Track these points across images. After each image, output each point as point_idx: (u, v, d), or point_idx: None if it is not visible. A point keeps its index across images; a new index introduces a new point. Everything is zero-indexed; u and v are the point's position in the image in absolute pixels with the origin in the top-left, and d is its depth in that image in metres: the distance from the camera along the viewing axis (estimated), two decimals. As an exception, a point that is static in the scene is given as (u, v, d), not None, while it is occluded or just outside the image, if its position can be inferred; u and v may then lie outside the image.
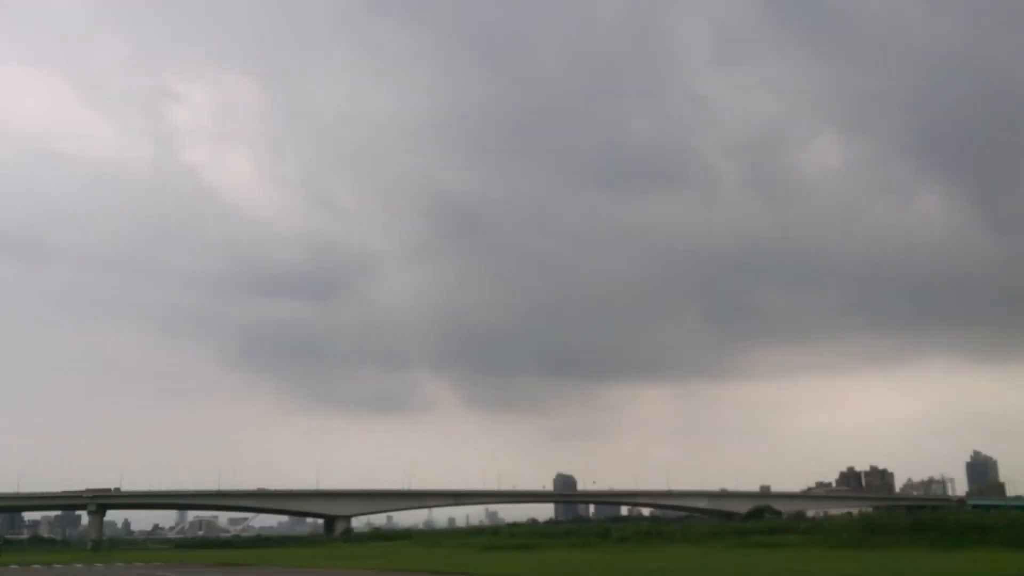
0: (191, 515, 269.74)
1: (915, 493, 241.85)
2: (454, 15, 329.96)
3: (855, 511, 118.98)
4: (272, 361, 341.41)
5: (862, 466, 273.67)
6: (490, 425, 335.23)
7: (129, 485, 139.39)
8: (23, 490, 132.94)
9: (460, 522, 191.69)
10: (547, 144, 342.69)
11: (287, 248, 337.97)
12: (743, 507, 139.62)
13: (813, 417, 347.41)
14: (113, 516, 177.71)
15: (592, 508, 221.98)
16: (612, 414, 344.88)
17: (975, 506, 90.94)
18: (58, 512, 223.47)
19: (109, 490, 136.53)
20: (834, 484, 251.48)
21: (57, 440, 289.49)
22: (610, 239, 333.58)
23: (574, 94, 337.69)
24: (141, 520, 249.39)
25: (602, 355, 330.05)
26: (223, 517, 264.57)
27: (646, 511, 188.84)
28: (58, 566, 54.81)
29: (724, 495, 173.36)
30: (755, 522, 71.24)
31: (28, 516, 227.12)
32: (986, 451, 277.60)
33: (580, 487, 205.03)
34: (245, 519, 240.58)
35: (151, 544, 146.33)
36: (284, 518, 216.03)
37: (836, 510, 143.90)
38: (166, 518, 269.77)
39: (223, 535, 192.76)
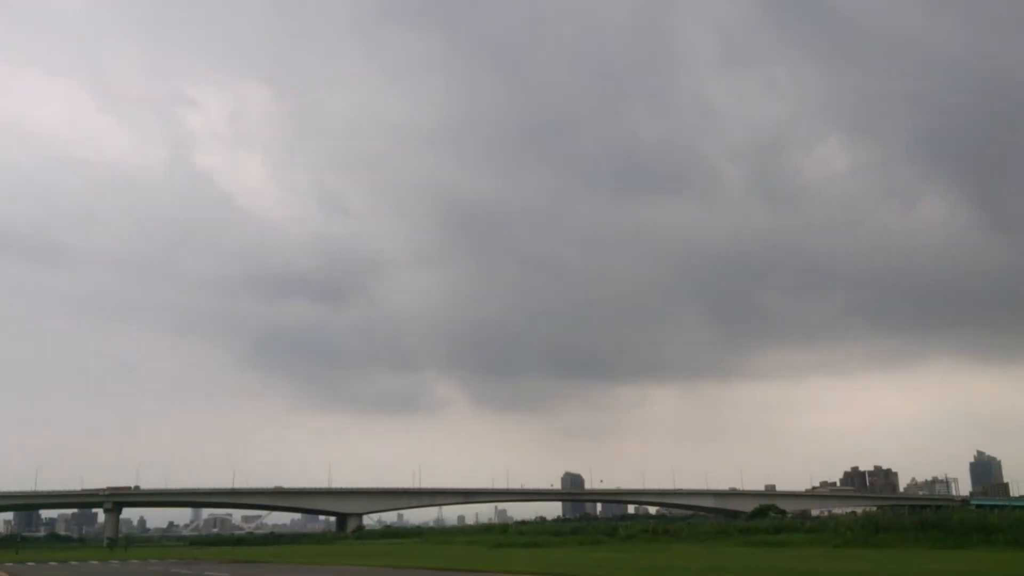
0: (206, 513, 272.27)
1: (921, 493, 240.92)
2: (466, 22, 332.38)
3: (859, 510, 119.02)
4: (285, 362, 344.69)
5: (866, 466, 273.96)
6: (499, 425, 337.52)
7: (145, 484, 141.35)
8: (40, 488, 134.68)
9: (469, 520, 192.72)
10: (556, 149, 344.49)
11: (300, 251, 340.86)
12: (748, 506, 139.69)
13: (818, 417, 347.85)
14: (129, 514, 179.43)
15: (599, 506, 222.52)
16: (619, 414, 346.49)
17: (979, 506, 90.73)
18: (74, 510, 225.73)
19: (129, 488, 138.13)
20: (838, 484, 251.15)
21: (73, 439, 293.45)
22: (617, 242, 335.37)
23: (583, 100, 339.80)
24: (156, 518, 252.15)
25: (609, 356, 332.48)
26: (237, 515, 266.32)
27: (652, 509, 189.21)
28: (74, 563, 55.70)
29: (729, 494, 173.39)
30: (760, 521, 71.37)
31: (45, 514, 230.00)
32: (990, 451, 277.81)
33: (587, 486, 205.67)
34: (259, 517, 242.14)
35: (166, 541, 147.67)
36: (297, 516, 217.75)
37: (840, 509, 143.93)
38: (181, 516, 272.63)
39: (237, 532, 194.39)
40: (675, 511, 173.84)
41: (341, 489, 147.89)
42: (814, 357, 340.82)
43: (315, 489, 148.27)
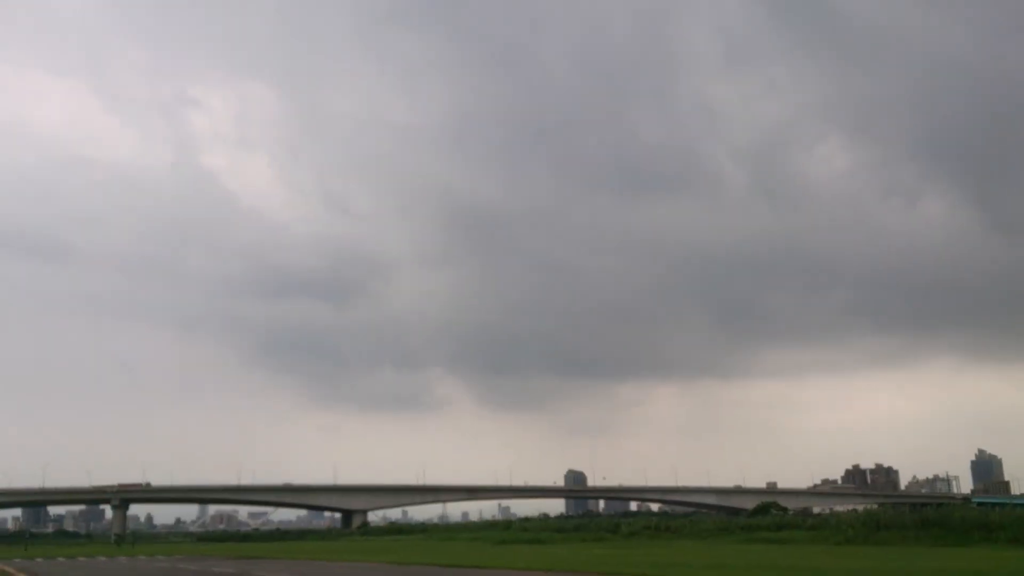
0: (212, 509, 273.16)
1: (924, 491, 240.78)
2: (469, 24, 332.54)
3: (860, 508, 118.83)
4: (291, 361, 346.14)
5: (867, 464, 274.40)
6: (502, 423, 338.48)
7: (151, 481, 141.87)
8: (48, 485, 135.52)
9: (473, 517, 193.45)
10: (559, 150, 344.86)
11: (305, 251, 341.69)
12: (750, 503, 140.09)
13: (819, 416, 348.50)
14: (136, 510, 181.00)
15: (602, 504, 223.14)
16: (622, 412, 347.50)
17: (980, 504, 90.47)
18: (82, 507, 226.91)
19: (140, 485, 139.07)
20: (840, 481, 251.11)
21: (80, 437, 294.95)
22: (619, 242, 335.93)
23: (585, 101, 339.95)
24: (163, 514, 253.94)
25: (612, 355, 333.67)
26: (243, 511, 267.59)
27: (655, 507, 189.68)
28: (82, 559, 56.19)
29: (731, 491, 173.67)
30: (761, 518, 71.54)
31: (53, 511, 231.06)
32: (991, 450, 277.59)
33: (590, 483, 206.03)
34: (265, 513, 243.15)
35: (173, 538, 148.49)
36: (303, 512, 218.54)
37: (841, 507, 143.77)
38: (188, 512, 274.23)
39: (243, 529, 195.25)
40: (677, 508, 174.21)
41: (346, 486, 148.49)
42: (816, 356, 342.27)
43: (321, 486, 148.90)
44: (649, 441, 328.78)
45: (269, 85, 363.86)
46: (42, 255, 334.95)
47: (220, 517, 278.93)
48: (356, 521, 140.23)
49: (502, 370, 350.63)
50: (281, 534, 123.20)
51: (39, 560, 54.69)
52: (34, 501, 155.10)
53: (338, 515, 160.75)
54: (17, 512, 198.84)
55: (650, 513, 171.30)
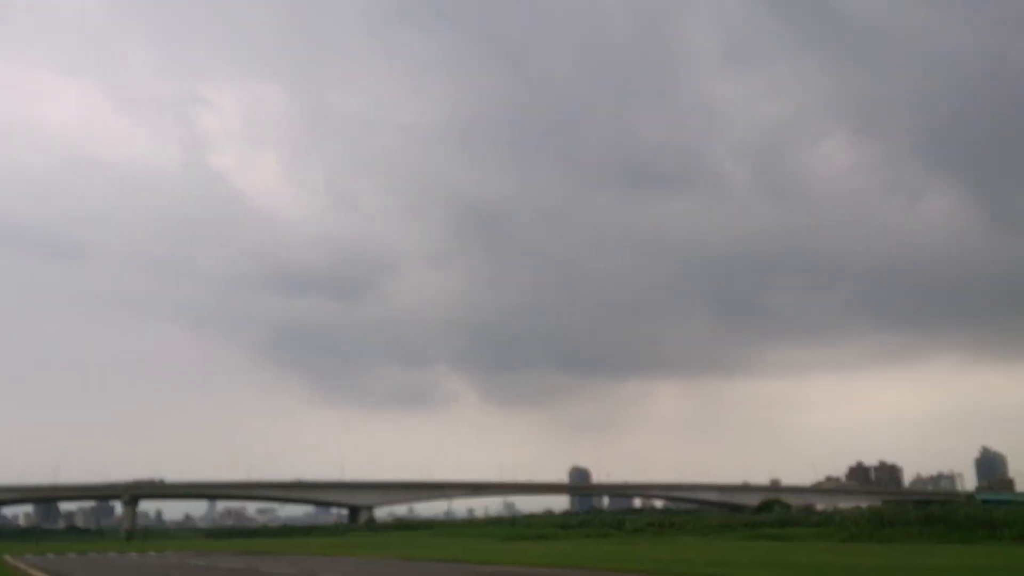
0: (221, 505, 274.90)
1: (930, 488, 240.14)
2: (475, 23, 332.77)
3: (864, 505, 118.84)
4: (298, 358, 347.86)
5: (871, 461, 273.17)
6: (507, 420, 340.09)
7: (162, 476, 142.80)
8: (59, 482, 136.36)
9: (479, 513, 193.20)
10: (563, 148, 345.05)
11: (313, 249, 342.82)
12: (753, 500, 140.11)
13: (822, 413, 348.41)
14: (146, 506, 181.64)
15: (606, 500, 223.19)
16: (626, 409, 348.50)
17: (984, 501, 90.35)
18: (93, 503, 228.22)
19: (153, 481, 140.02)
20: (843, 479, 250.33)
21: (90, 434, 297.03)
22: (623, 240, 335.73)
23: (589, 99, 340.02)
24: (173, 511, 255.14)
25: (616, 352, 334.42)
26: (251, 507, 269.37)
27: (658, 503, 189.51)
28: (93, 555, 56.75)
29: (735, 488, 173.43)
30: (765, 515, 71.90)
31: (63, 507, 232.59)
32: (995, 447, 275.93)
33: (594, 480, 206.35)
34: (272, 509, 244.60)
35: (182, 533, 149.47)
36: (310, 508, 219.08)
37: (845, 504, 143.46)
38: (197, 508, 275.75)
39: (251, 524, 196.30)
40: (681, 505, 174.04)
41: (353, 482, 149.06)
42: (819, 353, 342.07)
43: (328, 482, 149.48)
44: (653, 438, 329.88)
45: (278, 84, 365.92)
46: (53, 253, 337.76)
47: (228, 513, 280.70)
48: (363, 517, 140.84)
49: (507, 367, 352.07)
50: (288, 530, 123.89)
51: (50, 556, 55.21)
52: (45, 497, 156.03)
53: (345, 511, 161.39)
54: (28, 508, 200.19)
55: (654, 510, 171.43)
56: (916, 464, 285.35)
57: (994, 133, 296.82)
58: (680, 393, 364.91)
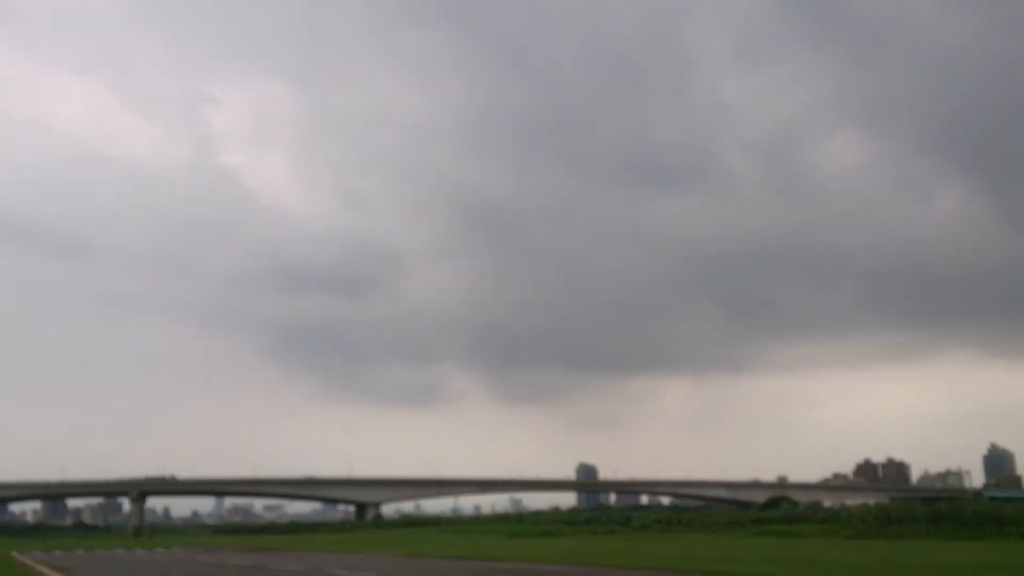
0: (228, 502, 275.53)
1: (938, 485, 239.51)
2: (482, 21, 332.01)
3: (872, 502, 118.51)
4: (306, 355, 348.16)
5: (879, 458, 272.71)
6: (514, 416, 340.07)
7: (169, 473, 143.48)
8: (67, 478, 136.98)
9: (486, 510, 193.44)
10: (573, 145, 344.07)
11: (321, 246, 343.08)
12: (760, 497, 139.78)
13: (830, 409, 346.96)
14: (153, 503, 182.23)
15: (613, 497, 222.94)
16: (633, 406, 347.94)
17: (992, 498, 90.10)
18: (100, 500, 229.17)
19: (163, 478, 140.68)
20: (851, 475, 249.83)
21: (99, 430, 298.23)
22: (631, 236, 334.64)
23: (597, 96, 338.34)
24: (180, 507, 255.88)
25: (623, 349, 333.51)
26: (259, 504, 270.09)
27: (665, 500, 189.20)
28: (100, 551, 56.99)
29: (742, 485, 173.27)
30: (772, 512, 71.80)
31: (71, 503, 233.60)
32: (1003, 444, 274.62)
33: (601, 476, 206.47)
34: (280, 506, 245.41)
35: (190, 530, 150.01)
36: (317, 505, 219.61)
37: (853, 501, 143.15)
38: (204, 505, 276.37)
39: (258, 521, 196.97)
40: (688, 502, 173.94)
41: (361, 479, 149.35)
42: (826, 350, 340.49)
43: (335, 479, 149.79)
44: (660, 435, 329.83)
45: (285, 83, 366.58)
46: (60, 251, 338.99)
47: (236, 510, 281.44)
48: (370, 514, 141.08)
49: (514, 364, 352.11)
50: (296, 527, 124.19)
51: (58, 553, 55.46)
52: (53, 494, 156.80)
53: (352, 508, 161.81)
54: (36, 505, 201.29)
55: (661, 507, 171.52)
56: (924, 461, 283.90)
57: (1004, 129, 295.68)
58: (687, 390, 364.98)
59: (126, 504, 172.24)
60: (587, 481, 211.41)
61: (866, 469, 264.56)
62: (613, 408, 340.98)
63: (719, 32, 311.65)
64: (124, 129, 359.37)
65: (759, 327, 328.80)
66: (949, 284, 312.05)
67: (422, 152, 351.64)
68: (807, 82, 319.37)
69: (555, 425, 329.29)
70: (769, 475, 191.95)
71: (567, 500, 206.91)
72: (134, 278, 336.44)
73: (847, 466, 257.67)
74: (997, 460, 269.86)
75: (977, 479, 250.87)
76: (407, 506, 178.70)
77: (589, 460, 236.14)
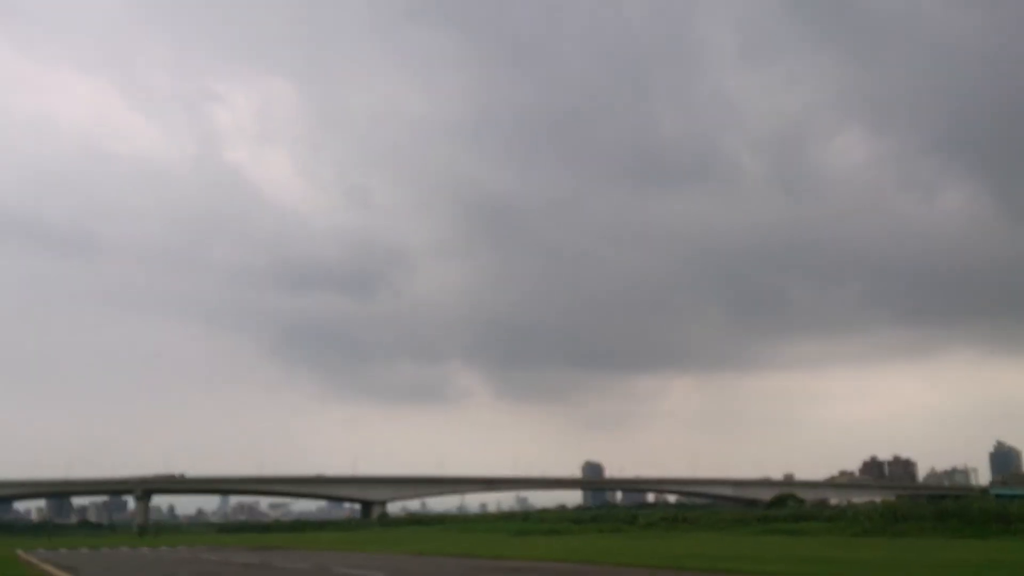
0: (233, 500, 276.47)
1: (945, 483, 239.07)
2: (487, 18, 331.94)
3: (878, 500, 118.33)
4: (311, 353, 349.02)
5: (885, 455, 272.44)
6: (520, 415, 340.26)
7: (174, 471, 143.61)
8: (72, 476, 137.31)
9: (491, 508, 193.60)
10: (577, 142, 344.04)
11: (325, 244, 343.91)
12: (767, 495, 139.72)
13: (836, 407, 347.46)
14: (158, 501, 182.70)
15: (619, 495, 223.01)
16: (639, 404, 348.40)
17: (998, 496, 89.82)
18: (105, 498, 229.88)
19: (171, 476, 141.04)
20: (857, 473, 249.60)
21: (104, 428, 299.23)
22: (637, 233, 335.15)
23: (604, 93, 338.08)
24: (185, 505, 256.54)
25: (629, 347, 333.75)
26: (264, 502, 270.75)
27: (671, 498, 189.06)
28: (105, 549, 57.08)
29: (748, 483, 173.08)
30: (779, 510, 71.68)
31: (76, 502, 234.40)
32: (1010, 441, 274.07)
33: (607, 475, 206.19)
34: (285, 504, 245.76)
35: (195, 528, 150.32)
36: (322, 503, 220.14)
37: (859, 499, 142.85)
38: (209, 503, 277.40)
39: (264, 519, 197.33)
40: (694, 500, 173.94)
41: (366, 477, 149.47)
42: (833, 347, 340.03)
43: (340, 477, 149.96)
44: (666, 433, 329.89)
45: (289, 81, 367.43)
46: (66, 248, 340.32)
47: (241, 508, 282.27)
48: (375, 512, 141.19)
49: (519, 362, 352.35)
50: (301, 525, 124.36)
51: (62, 551, 55.57)
52: (57, 492, 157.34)
53: (357, 506, 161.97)
54: (41, 503, 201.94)
55: (667, 505, 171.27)
56: (930, 458, 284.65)
57: (1012, 126, 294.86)
58: (694, 388, 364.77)
59: (131, 502, 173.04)
60: (593, 479, 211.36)
61: (872, 467, 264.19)
62: (619, 406, 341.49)
63: (727, 28, 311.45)
64: (127, 126, 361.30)
65: (767, 324, 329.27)
66: (955, 281, 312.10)
67: (426, 149, 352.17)
68: (813, 79, 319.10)
69: (561, 423, 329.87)
70: (775, 473, 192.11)
71: (573, 498, 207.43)
72: (138, 275, 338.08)
73: (853, 464, 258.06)
74: (1003, 457, 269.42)
75: (984, 476, 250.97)
76: (412, 504, 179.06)
77: (595, 458, 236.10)
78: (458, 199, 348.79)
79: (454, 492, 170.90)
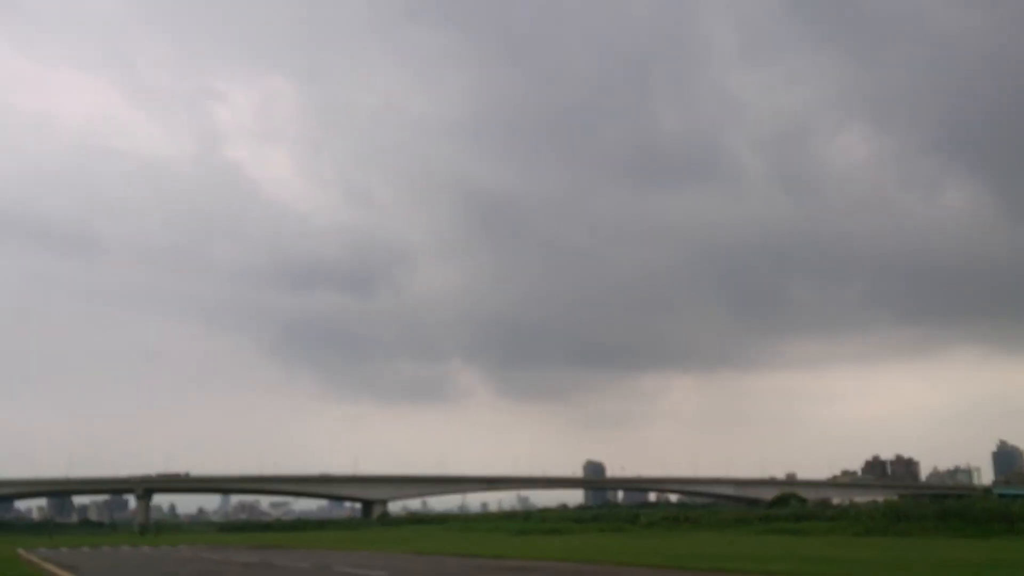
0: (234, 499, 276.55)
1: (948, 482, 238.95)
2: (487, 16, 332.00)
3: (880, 499, 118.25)
4: (312, 352, 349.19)
5: (887, 455, 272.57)
6: (521, 414, 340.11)
7: (175, 470, 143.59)
8: (73, 475, 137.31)
9: (492, 507, 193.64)
10: (578, 140, 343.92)
11: (326, 242, 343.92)
12: (768, 494, 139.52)
13: (839, 406, 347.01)
14: (159, 500, 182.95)
15: (620, 494, 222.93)
16: (640, 403, 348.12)
17: (1001, 495, 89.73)
18: (106, 497, 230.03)
19: (176, 475, 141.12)
20: (859, 472, 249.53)
21: (105, 427, 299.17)
22: (638, 232, 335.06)
23: (605, 91, 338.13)
24: (186, 504, 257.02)
25: (631, 346, 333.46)
26: (265, 501, 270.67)
27: (673, 497, 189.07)
28: (106, 548, 57.02)
29: (750, 482, 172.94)
30: (781, 509, 71.55)
31: (77, 500, 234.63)
32: (1012, 440, 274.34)
33: (609, 474, 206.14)
34: (286, 503, 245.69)
35: (196, 527, 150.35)
36: (323, 502, 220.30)
37: (861, 498, 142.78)
38: (210, 502, 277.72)
39: (265, 518, 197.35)
40: (696, 499, 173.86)
41: (367, 476, 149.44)
42: (836, 346, 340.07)
43: (341, 476, 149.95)
44: (668, 432, 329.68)
45: (289, 79, 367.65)
46: (67, 246, 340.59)
47: (242, 507, 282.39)
48: (376, 511, 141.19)
49: (521, 361, 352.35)
50: (302, 524, 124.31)
51: (63, 550, 55.49)
52: (58, 491, 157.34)
53: (358, 505, 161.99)
54: (42, 502, 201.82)
55: (668, 504, 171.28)
56: (933, 458, 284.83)
57: (1013, 126, 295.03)
58: (696, 387, 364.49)
59: (132, 501, 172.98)
60: (594, 478, 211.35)
61: (875, 466, 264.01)
62: (621, 405, 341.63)
63: (729, 26, 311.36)
64: (128, 125, 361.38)
65: (769, 323, 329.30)
66: (958, 280, 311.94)
67: (427, 148, 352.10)
68: (814, 78, 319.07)
69: (562, 422, 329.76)
70: (777, 472, 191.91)
71: (574, 497, 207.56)
72: (138, 274, 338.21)
73: (856, 463, 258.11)
74: (1006, 457, 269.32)
75: (986, 476, 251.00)
76: (414, 503, 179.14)
77: (596, 457, 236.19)
78: (458, 198, 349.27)
79: (455, 491, 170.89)
